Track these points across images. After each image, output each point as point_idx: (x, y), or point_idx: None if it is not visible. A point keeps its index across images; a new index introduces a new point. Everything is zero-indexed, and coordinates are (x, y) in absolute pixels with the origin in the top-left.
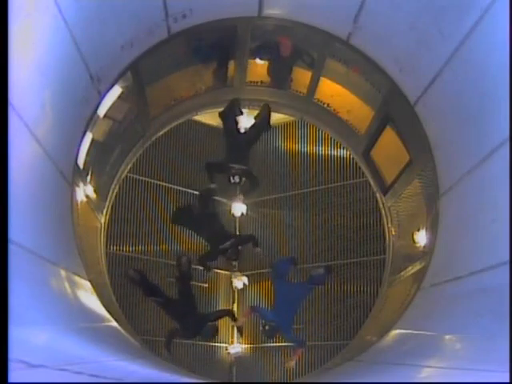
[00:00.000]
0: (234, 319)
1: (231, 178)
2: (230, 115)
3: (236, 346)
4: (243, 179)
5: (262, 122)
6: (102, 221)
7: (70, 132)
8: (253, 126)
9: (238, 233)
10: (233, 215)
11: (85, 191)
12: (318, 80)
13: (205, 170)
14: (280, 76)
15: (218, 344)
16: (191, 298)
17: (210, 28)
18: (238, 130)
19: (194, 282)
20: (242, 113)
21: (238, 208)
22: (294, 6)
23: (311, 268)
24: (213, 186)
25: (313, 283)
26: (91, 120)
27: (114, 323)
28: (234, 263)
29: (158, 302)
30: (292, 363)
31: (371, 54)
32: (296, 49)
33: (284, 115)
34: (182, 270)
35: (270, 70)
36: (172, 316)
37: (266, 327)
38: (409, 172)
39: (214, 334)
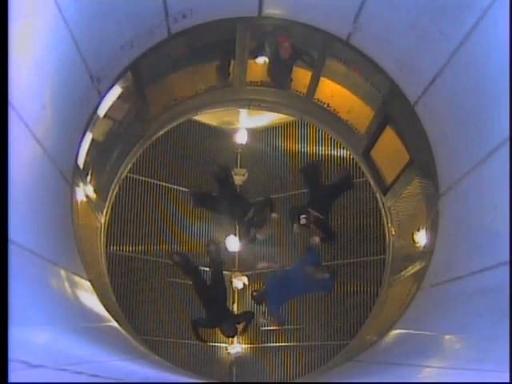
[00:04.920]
0: (247, 323)
1: (301, 219)
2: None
3: (236, 346)
4: (311, 225)
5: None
6: (102, 221)
7: (70, 132)
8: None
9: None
10: None
11: (85, 191)
12: (317, 80)
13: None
14: (280, 76)
15: (218, 344)
16: (222, 287)
17: (210, 28)
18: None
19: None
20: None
21: None
22: (294, 5)
23: (316, 271)
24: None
25: (320, 288)
26: (91, 120)
27: (114, 323)
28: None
29: (194, 283)
30: (264, 321)
31: (371, 54)
32: (296, 49)
33: (284, 115)
34: (212, 257)
35: (270, 70)
36: (202, 299)
37: (254, 293)
38: (409, 172)
39: (233, 333)
